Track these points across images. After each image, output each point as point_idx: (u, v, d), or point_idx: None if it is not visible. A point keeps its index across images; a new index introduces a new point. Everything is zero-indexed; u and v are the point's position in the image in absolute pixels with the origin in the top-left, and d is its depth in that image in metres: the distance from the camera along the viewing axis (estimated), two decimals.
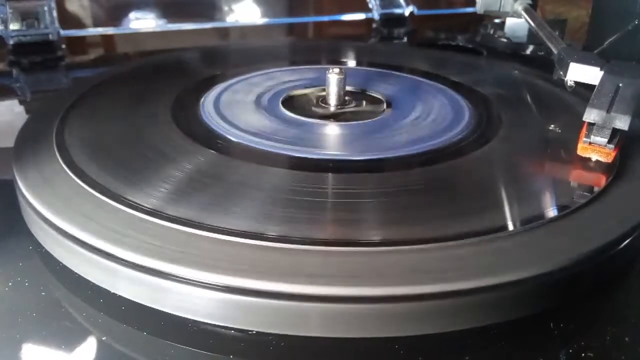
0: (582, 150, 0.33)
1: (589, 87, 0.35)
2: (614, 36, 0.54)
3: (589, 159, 0.33)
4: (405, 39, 0.77)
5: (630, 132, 0.33)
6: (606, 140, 0.32)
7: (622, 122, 0.32)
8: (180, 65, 0.54)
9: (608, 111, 0.32)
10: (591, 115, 0.33)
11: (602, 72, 0.34)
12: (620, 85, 0.33)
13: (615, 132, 0.33)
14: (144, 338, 0.24)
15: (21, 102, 0.52)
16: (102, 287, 0.26)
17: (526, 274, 0.24)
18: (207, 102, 0.42)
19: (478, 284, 0.23)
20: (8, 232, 0.31)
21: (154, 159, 0.33)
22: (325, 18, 0.82)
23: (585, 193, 0.30)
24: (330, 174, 0.32)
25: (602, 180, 0.32)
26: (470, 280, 0.23)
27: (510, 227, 0.27)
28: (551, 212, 0.29)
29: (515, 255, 0.25)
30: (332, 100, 0.42)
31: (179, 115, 0.39)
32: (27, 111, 0.50)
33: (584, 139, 0.33)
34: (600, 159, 0.33)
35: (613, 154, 0.33)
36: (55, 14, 0.64)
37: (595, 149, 0.33)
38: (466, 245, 0.26)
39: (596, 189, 0.31)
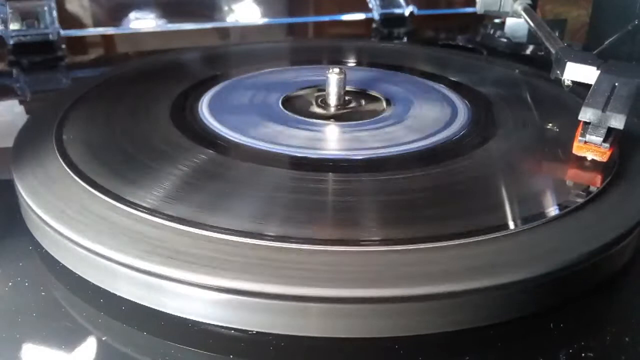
0: (578, 149, 0.33)
1: (588, 87, 0.35)
2: (614, 36, 0.54)
3: (584, 158, 0.33)
4: (405, 39, 0.77)
5: (630, 132, 0.33)
6: (601, 139, 0.32)
7: (617, 121, 0.32)
8: (180, 65, 0.54)
9: (604, 110, 0.32)
10: (587, 114, 0.33)
11: (598, 72, 0.34)
12: (617, 84, 0.33)
13: (610, 131, 0.33)
14: (144, 338, 0.24)
15: (21, 102, 0.52)
16: (102, 287, 0.26)
17: (525, 273, 0.24)
18: (207, 102, 0.42)
19: (477, 284, 0.23)
20: (8, 232, 0.31)
21: (153, 159, 0.33)
22: (326, 18, 0.82)
23: (582, 192, 0.30)
24: (330, 173, 0.32)
25: (598, 180, 0.32)
26: (469, 281, 0.23)
27: (509, 226, 0.27)
28: (549, 211, 0.28)
29: (514, 255, 0.25)
30: (332, 100, 0.42)
31: (178, 115, 0.39)
32: (27, 111, 0.50)
33: (580, 137, 0.33)
34: (595, 158, 0.33)
35: (608, 153, 0.33)
36: (55, 14, 0.64)
37: (591, 147, 0.33)
38: (464, 245, 0.26)
39: (593, 188, 0.31)
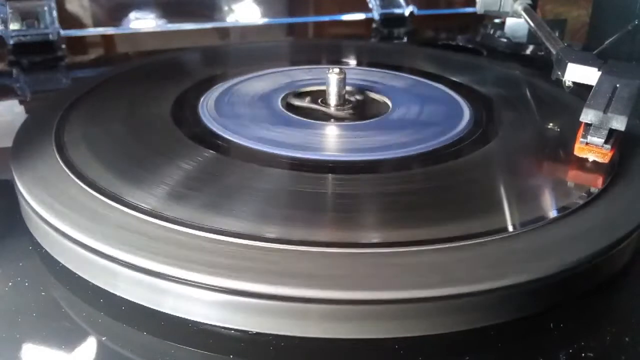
0: (579, 150, 0.33)
1: (589, 88, 0.35)
2: (614, 36, 0.54)
3: (586, 160, 0.33)
4: (405, 39, 0.77)
5: (631, 133, 0.33)
6: (602, 140, 0.32)
7: (619, 123, 0.32)
8: (180, 65, 0.54)
9: (605, 112, 0.32)
10: (588, 115, 0.33)
11: (599, 73, 0.34)
12: (618, 85, 0.33)
13: (612, 132, 0.32)
14: (144, 338, 0.24)
15: (21, 102, 0.52)
16: (102, 287, 0.26)
17: (526, 275, 0.24)
18: (207, 102, 0.42)
19: (477, 286, 0.23)
20: (8, 232, 0.31)
21: (153, 159, 0.33)
22: (326, 18, 0.82)
23: (583, 194, 0.30)
24: (329, 174, 0.32)
25: (599, 181, 0.32)
26: (469, 282, 0.23)
27: (510, 228, 0.27)
28: (550, 213, 0.28)
29: (514, 256, 0.25)
30: (332, 100, 0.42)
31: (178, 116, 0.39)
32: (27, 111, 0.50)
33: (581, 139, 0.33)
34: (597, 159, 0.33)
35: (610, 155, 0.33)
36: (55, 14, 0.64)
37: (592, 149, 0.33)
38: (465, 247, 0.26)
39: (594, 189, 0.31)
